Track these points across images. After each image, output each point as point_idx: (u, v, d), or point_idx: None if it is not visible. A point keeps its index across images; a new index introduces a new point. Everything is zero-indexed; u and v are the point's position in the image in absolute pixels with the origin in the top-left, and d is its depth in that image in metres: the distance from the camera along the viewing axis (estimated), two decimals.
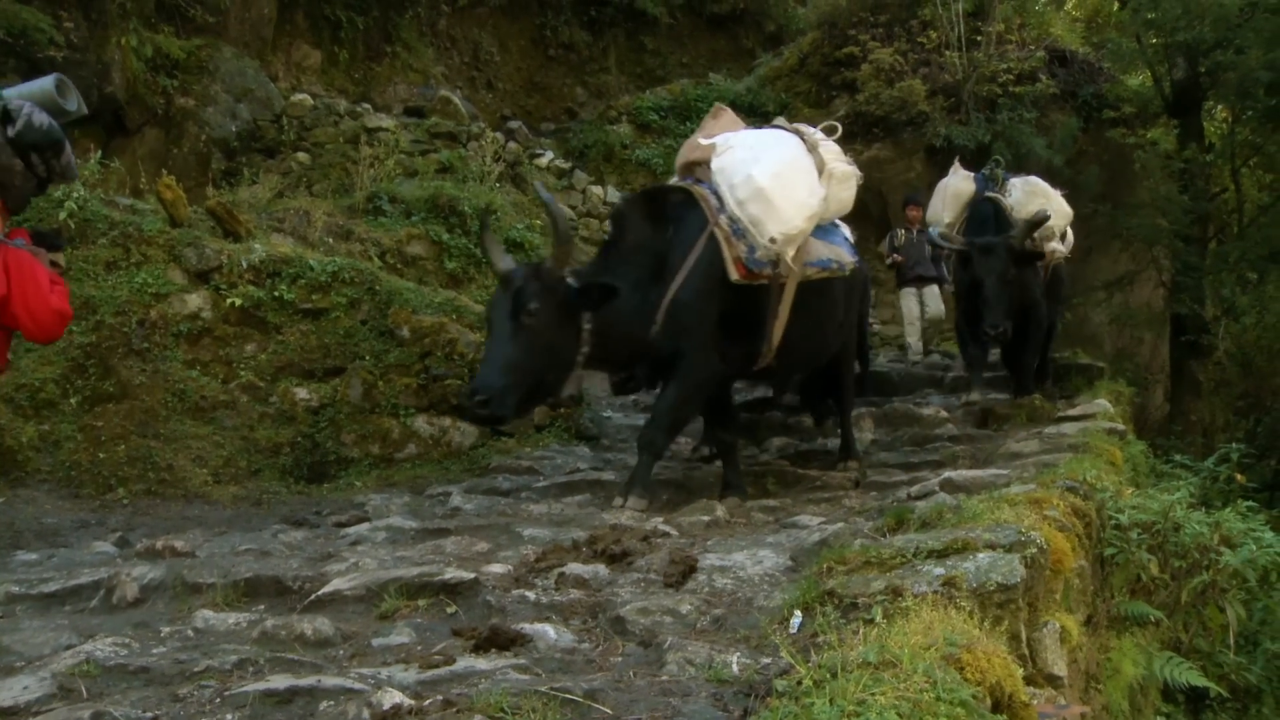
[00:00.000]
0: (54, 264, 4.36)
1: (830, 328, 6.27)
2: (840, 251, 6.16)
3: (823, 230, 6.11)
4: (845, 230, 6.75)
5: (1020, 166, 12.16)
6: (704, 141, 5.88)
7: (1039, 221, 7.70)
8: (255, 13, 12.28)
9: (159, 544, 4.37)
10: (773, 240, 5.37)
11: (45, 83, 4.16)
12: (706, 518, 4.84)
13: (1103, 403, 7.46)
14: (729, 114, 6.40)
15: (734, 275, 5.41)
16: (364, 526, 4.87)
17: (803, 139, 6.02)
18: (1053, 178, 13.07)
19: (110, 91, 9.87)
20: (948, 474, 5.14)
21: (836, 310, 6.28)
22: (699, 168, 5.84)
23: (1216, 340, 13.01)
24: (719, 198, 5.52)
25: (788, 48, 16.41)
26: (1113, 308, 13.80)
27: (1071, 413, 7.31)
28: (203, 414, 7.03)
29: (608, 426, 8.10)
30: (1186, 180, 13.57)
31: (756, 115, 14.86)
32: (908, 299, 11.40)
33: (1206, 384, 13.49)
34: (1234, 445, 7.22)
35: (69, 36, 9.18)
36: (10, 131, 4.00)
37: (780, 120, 6.78)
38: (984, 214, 8.32)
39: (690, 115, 14.67)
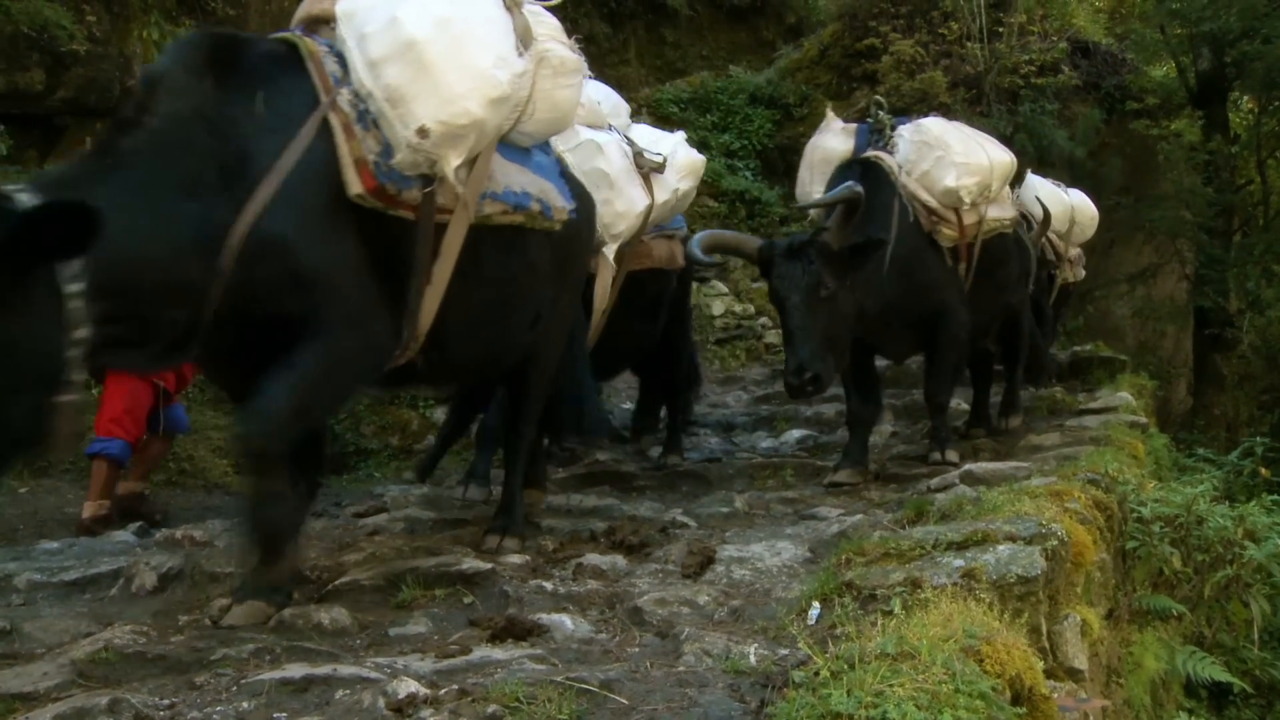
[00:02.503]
0: None
1: (522, 314, 3.96)
2: (547, 188, 3.91)
3: (523, 152, 3.93)
4: (568, 159, 4.75)
5: (1043, 160, 12.07)
6: None
7: (850, 201, 4.96)
8: (276, 5, 12.29)
9: (178, 533, 4.39)
10: (423, 133, 3.19)
11: None
12: (725, 509, 4.83)
13: (1125, 396, 7.40)
14: None
15: (354, 189, 3.16)
16: (382, 517, 4.88)
17: None
18: (1075, 170, 13.04)
19: (132, 84, 9.92)
20: (968, 466, 5.11)
21: (536, 286, 3.99)
22: (323, 27, 3.54)
23: (1241, 334, 12.89)
24: (341, 59, 3.33)
25: (808, 39, 16.32)
26: (1135, 300, 13.67)
27: (1093, 405, 7.25)
28: (222, 405, 7.05)
29: (627, 418, 8.09)
30: (1211, 172, 13.45)
31: (777, 108, 14.85)
32: None
33: (1230, 378, 13.38)
34: (1258, 439, 7.13)
35: (91, 30, 9.21)
36: None
37: None
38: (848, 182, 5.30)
39: (711, 107, 14.62)
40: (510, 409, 4.45)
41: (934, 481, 4.95)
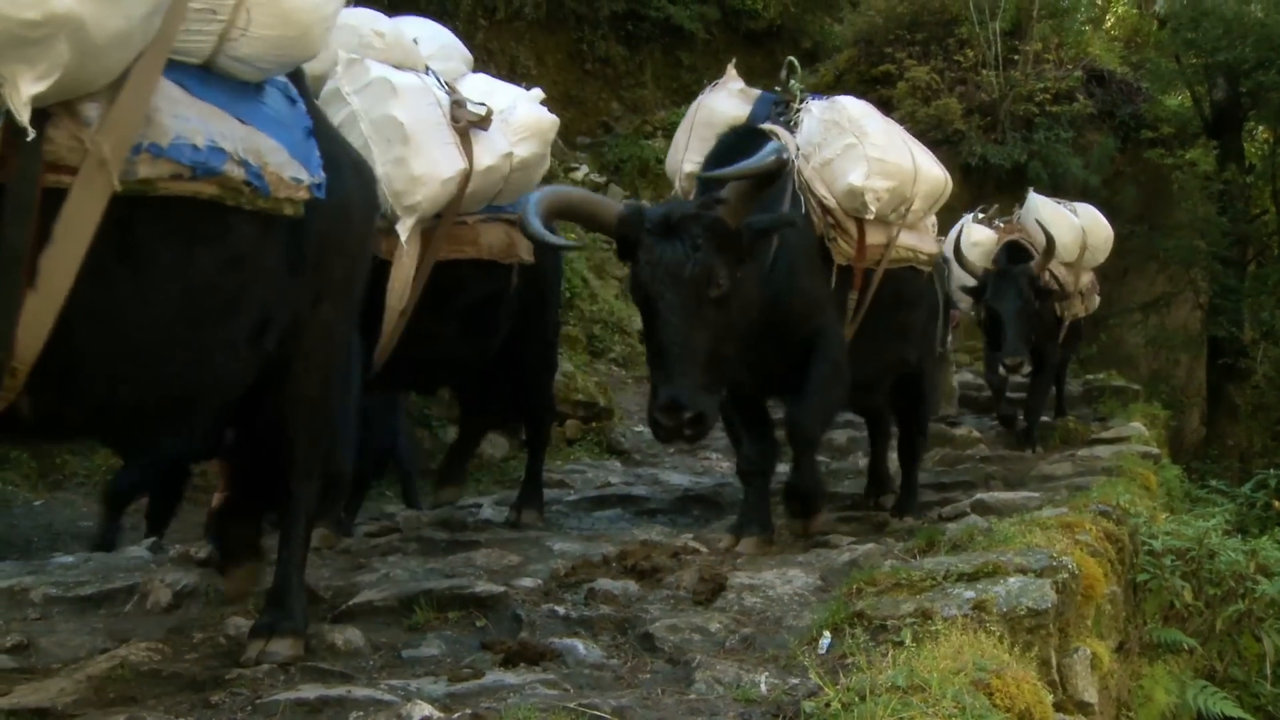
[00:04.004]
0: None
1: (226, 330, 2.70)
2: (266, 147, 2.64)
3: (240, 91, 2.67)
4: (353, 106, 3.96)
5: (1057, 188, 12.10)
6: None
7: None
8: None
9: (192, 550, 4.41)
10: None
11: None
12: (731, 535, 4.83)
13: (1137, 426, 7.41)
14: None
15: None
16: (395, 537, 4.89)
17: None
18: (1089, 198, 13.04)
19: None
20: (979, 495, 5.11)
21: (254, 290, 2.73)
22: None
23: (1255, 364, 12.86)
24: None
25: (824, 65, 16.41)
26: (1149, 329, 13.68)
27: (1105, 435, 7.26)
28: None
29: (639, 441, 8.11)
30: (1225, 201, 13.46)
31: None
32: None
33: (1244, 408, 13.34)
34: (1272, 471, 7.14)
35: None
36: None
37: None
38: (724, 158, 4.30)
39: None
40: (271, 459, 3.15)
41: (945, 510, 4.95)
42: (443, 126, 4.09)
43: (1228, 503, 6.55)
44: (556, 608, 3.39)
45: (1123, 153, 14.11)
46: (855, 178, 4.45)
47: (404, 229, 3.99)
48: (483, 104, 4.30)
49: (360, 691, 2.50)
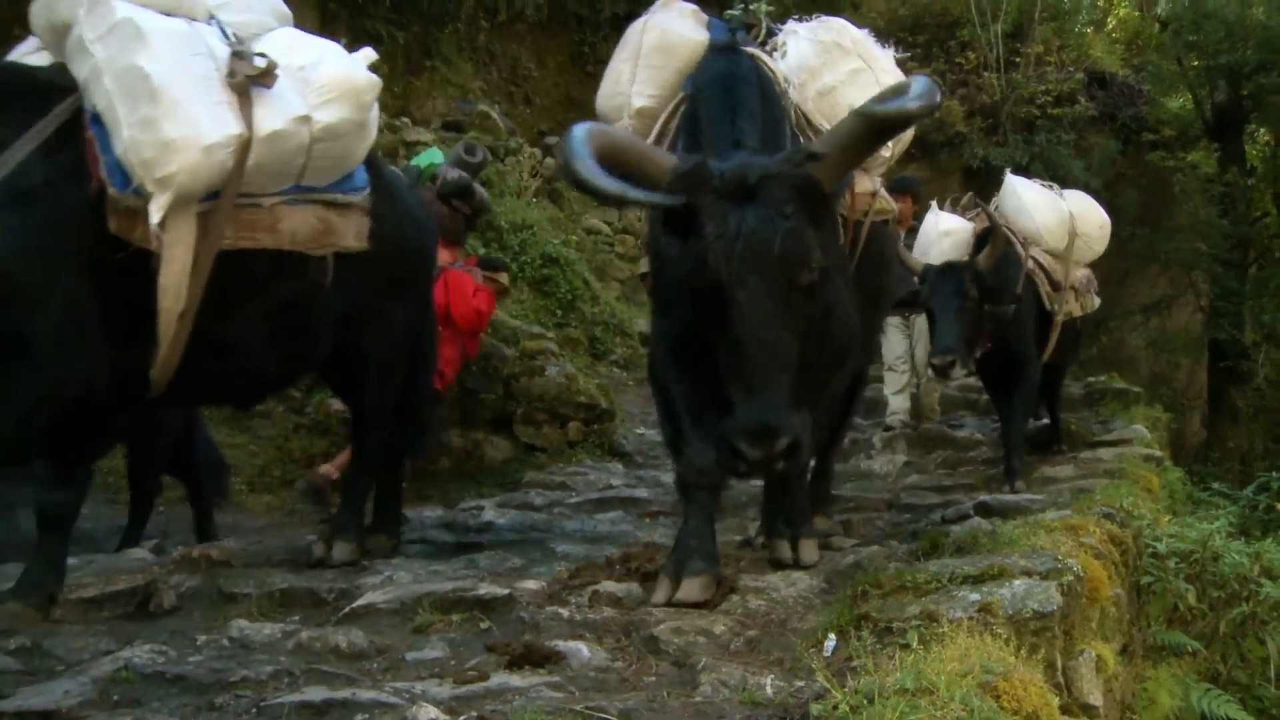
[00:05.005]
0: (493, 280, 6.94)
1: None
2: None
3: None
4: (95, 55, 3.18)
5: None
6: None
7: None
8: (296, 26, 12.42)
9: (195, 552, 4.41)
10: None
11: (457, 147, 6.99)
12: (739, 536, 4.83)
13: (1139, 429, 7.40)
14: None
15: None
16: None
17: None
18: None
19: None
20: (982, 498, 5.11)
21: None
22: None
23: (1256, 366, 12.86)
24: None
25: None
26: (1150, 332, 13.69)
27: (1108, 438, 7.25)
28: (238, 423, 7.10)
29: (641, 443, 8.10)
30: (1227, 204, 13.47)
31: None
32: (890, 331, 7.94)
33: (1245, 410, 13.34)
34: (1274, 473, 7.12)
35: None
36: (434, 188, 6.26)
37: None
38: (720, 89, 3.60)
39: None
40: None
41: (948, 513, 4.95)
42: (211, 82, 3.27)
43: (1230, 505, 6.53)
44: (560, 610, 3.38)
45: (1124, 155, 14.13)
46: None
47: (157, 208, 3.13)
48: (263, 55, 3.41)
49: (365, 694, 2.49)
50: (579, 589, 3.67)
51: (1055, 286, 6.56)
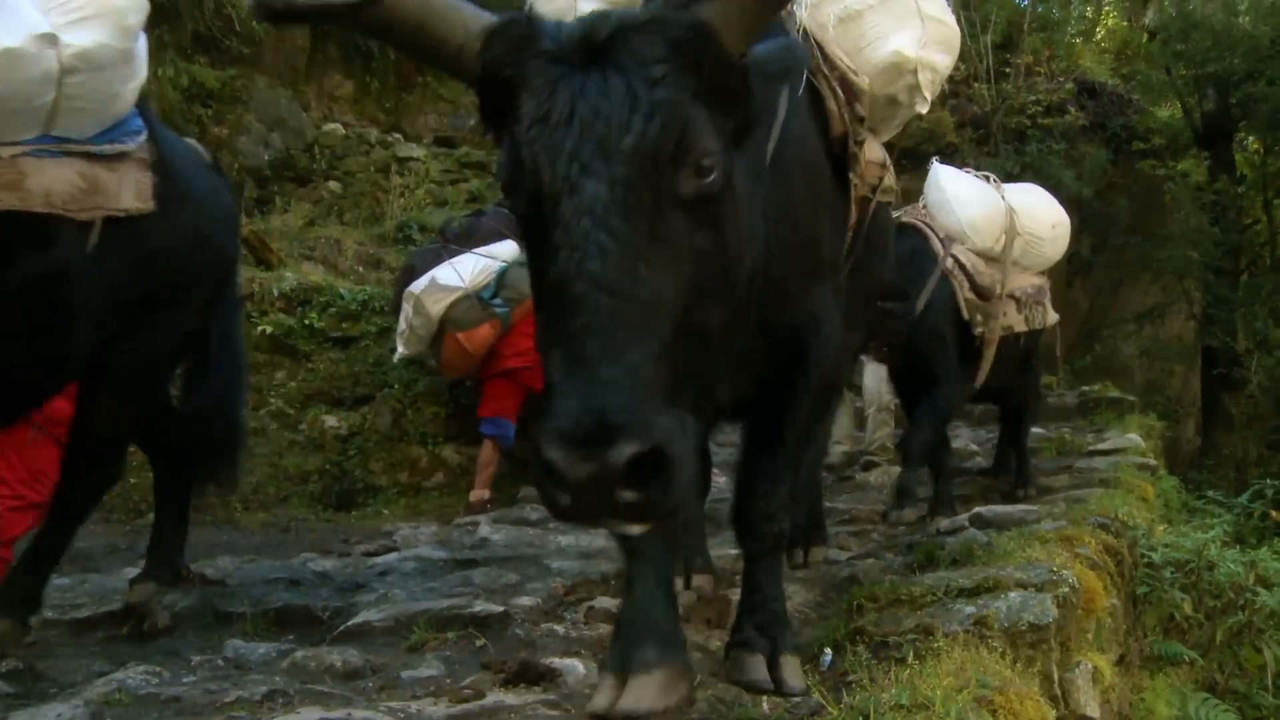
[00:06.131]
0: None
1: None
2: None
3: None
4: None
5: None
6: None
7: None
8: (289, 43, 12.44)
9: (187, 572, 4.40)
10: None
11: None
12: (734, 550, 4.81)
13: (1134, 437, 7.41)
14: None
15: None
16: (393, 556, 4.87)
17: None
18: (1083, 210, 13.09)
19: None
20: (977, 509, 5.10)
21: None
22: None
23: (1249, 373, 12.89)
24: None
25: None
26: (1143, 340, 13.72)
27: (1102, 447, 7.26)
28: None
29: None
30: (1218, 212, 13.52)
31: None
32: (869, 369, 7.16)
33: (1239, 418, 13.36)
34: (1268, 481, 7.13)
35: None
36: None
37: None
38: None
39: None
40: None
41: (944, 524, 4.94)
42: None
43: (1225, 513, 6.55)
44: (556, 627, 3.37)
45: (1115, 164, 14.17)
46: (905, 44, 3.04)
47: None
48: None
49: (360, 714, 2.48)
50: (574, 605, 3.66)
51: (983, 294, 5.64)
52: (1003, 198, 5.85)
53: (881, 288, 3.85)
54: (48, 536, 3.54)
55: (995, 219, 5.72)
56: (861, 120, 2.85)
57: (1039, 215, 6.03)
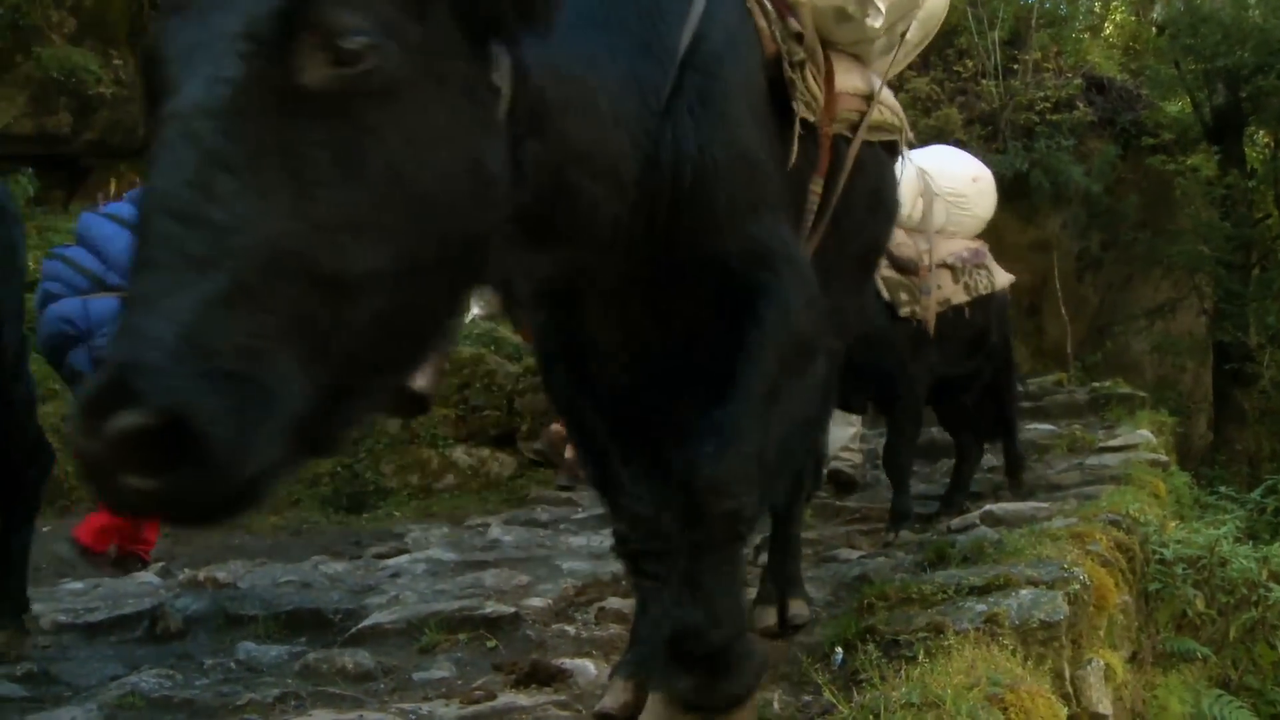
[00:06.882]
0: None
1: None
2: None
3: None
4: None
5: (1059, 195, 12.08)
6: None
7: None
8: None
9: (201, 575, 4.42)
10: None
11: None
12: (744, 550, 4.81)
13: (1145, 433, 7.37)
14: None
15: None
16: (404, 558, 4.89)
17: None
18: (1092, 206, 13.06)
19: None
20: (988, 506, 5.09)
21: None
22: None
23: (1261, 368, 12.83)
24: None
25: None
26: (1154, 336, 13.66)
27: (1113, 443, 7.23)
28: None
29: None
30: (1228, 206, 13.46)
31: None
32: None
33: (1251, 413, 13.30)
34: None
35: (117, 73, 9.38)
36: None
37: None
38: None
39: None
40: None
41: (954, 522, 4.93)
42: None
43: (1237, 509, 6.51)
44: (567, 628, 3.38)
45: (1124, 160, 14.11)
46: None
47: None
48: None
49: (373, 716, 2.49)
50: (585, 606, 3.67)
51: (905, 268, 5.02)
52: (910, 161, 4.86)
53: (879, 248, 3.23)
54: (5, 538, 3.46)
55: (905, 184, 4.67)
56: (799, 38, 2.36)
57: (954, 172, 5.48)
